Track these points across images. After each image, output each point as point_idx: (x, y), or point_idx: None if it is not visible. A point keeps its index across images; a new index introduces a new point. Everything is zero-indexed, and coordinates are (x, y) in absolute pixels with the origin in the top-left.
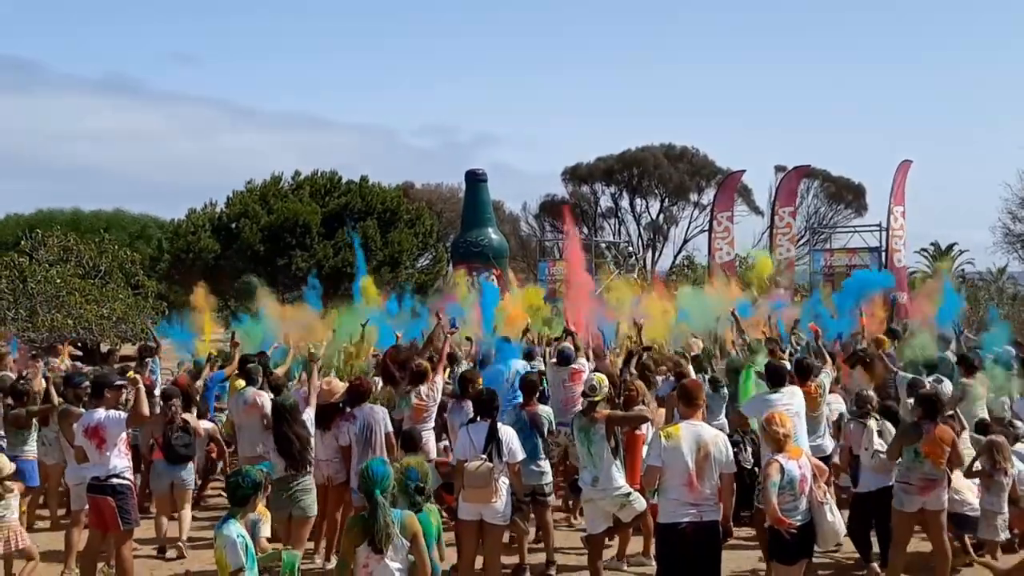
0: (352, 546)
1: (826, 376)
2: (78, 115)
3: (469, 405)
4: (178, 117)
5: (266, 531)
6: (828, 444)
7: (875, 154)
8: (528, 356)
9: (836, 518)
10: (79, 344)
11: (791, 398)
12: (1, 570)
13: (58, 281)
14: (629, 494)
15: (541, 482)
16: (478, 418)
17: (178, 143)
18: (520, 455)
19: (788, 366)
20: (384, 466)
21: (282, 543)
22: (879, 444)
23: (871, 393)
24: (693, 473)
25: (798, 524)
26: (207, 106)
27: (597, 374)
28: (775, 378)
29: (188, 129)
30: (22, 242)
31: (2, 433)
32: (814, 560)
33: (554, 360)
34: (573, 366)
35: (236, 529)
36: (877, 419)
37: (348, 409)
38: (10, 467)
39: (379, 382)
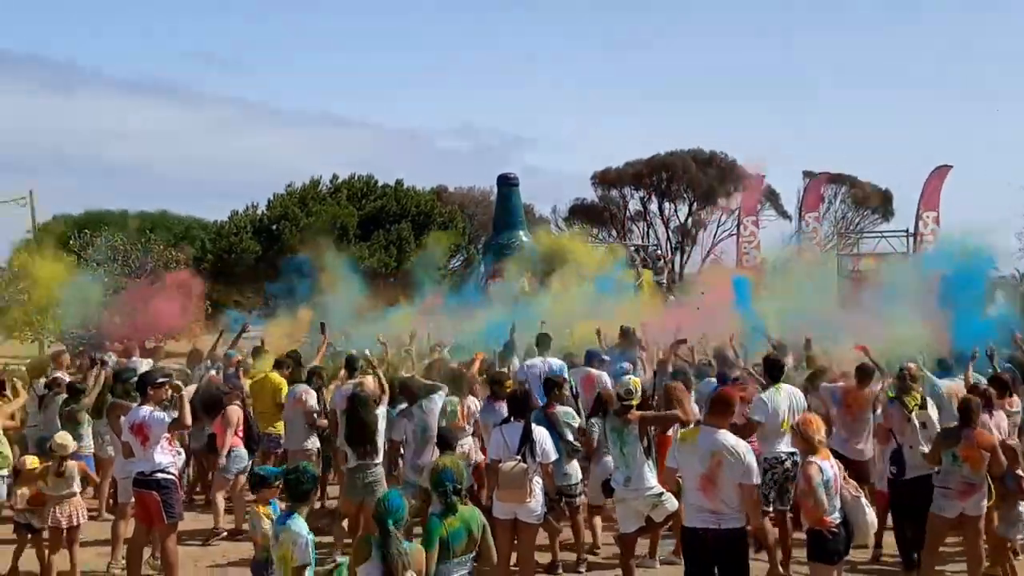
0: (355, 565)
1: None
2: (118, 116)
3: (501, 405)
4: (216, 118)
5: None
6: (869, 449)
7: (902, 160)
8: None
9: (870, 512)
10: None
11: (791, 396)
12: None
13: (106, 280)
14: (661, 494)
15: (567, 483)
16: (512, 419)
17: (217, 144)
18: (553, 455)
19: None
20: (400, 499)
21: (348, 528)
22: (924, 445)
23: (912, 364)
24: (705, 479)
25: (836, 522)
26: (243, 107)
27: (632, 378)
28: (773, 371)
29: (226, 130)
30: (71, 241)
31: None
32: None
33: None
34: (587, 370)
35: (303, 525)
36: (918, 399)
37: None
38: (73, 445)
39: None
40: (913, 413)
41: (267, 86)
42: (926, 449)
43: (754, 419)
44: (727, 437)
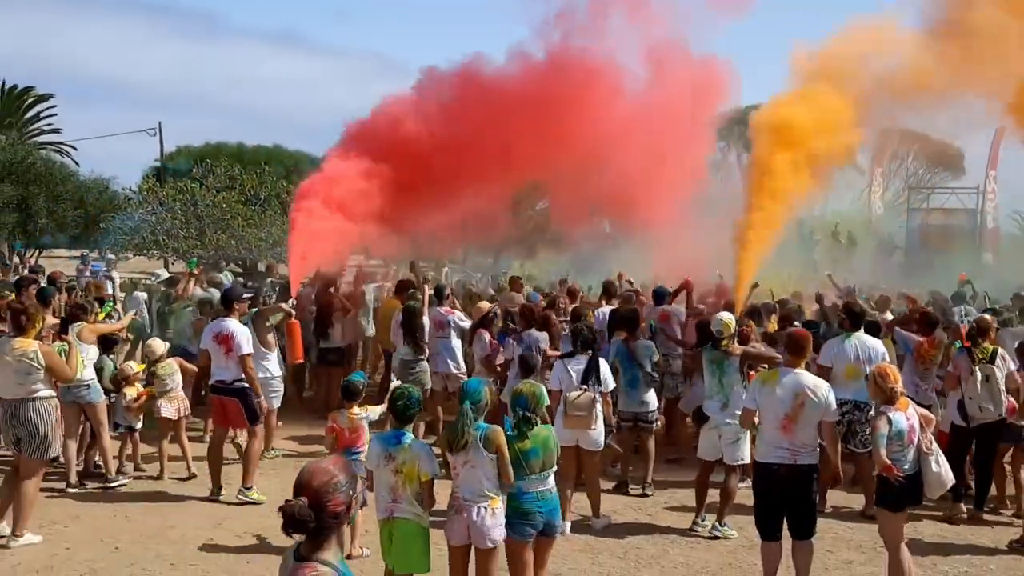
0: (447, 450)
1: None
2: (251, 63)
3: None
4: (336, 67)
5: None
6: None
7: (978, 119)
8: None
9: (942, 468)
10: (240, 263)
11: (860, 346)
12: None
13: (224, 206)
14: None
15: (644, 410)
16: (578, 353)
17: (334, 90)
18: (612, 384)
19: None
20: (480, 384)
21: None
22: (986, 400)
23: (986, 316)
24: (788, 419)
25: (906, 473)
26: (361, 58)
27: (724, 314)
28: (854, 320)
29: (343, 78)
30: (193, 170)
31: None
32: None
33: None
34: (661, 307)
35: (419, 441)
36: (988, 352)
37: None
38: (163, 348)
39: None
40: (978, 366)
41: (383, 40)
42: (984, 404)
43: (820, 363)
44: (807, 378)
